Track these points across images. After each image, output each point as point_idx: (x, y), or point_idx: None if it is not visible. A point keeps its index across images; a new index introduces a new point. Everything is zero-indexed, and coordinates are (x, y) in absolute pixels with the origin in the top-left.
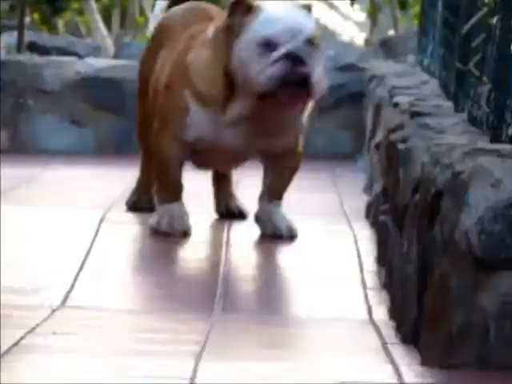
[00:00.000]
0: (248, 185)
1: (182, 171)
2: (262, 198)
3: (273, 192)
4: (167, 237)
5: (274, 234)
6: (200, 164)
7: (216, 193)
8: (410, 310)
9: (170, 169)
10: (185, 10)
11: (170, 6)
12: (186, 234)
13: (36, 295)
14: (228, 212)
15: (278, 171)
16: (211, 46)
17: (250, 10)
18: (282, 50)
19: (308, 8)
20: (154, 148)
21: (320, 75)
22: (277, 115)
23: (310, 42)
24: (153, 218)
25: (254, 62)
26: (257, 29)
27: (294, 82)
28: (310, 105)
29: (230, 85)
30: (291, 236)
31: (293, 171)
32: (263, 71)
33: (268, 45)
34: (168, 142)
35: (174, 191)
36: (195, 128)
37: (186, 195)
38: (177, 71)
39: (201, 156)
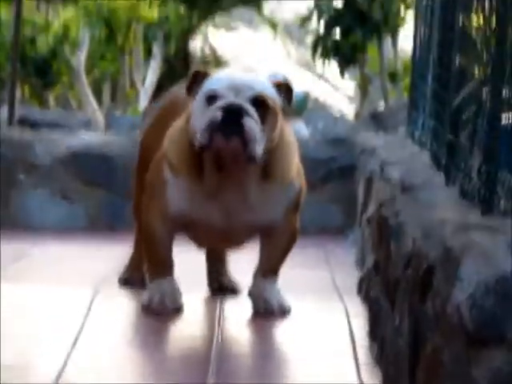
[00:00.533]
0: (243, 259)
1: (172, 246)
2: (256, 273)
3: (266, 268)
4: (159, 314)
5: (266, 311)
6: (198, 242)
7: (209, 268)
8: None
9: (159, 244)
10: None
11: (160, 80)
12: (177, 310)
13: (29, 373)
14: (221, 288)
15: (271, 247)
16: (184, 116)
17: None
18: (221, 102)
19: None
20: (143, 223)
21: (258, 134)
22: (250, 186)
23: (260, 102)
24: (144, 295)
25: (199, 116)
26: (206, 86)
27: (226, 128)
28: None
29: (198, 153)
30: (283, 312)
31: (287, 247)
32: (202, 123)
33: (213, 98)
34: (155, 217)
35: (163, 267)
36: (175, 200)
37: (178, 270)
38: (163, 145)
39: (194, 233)
